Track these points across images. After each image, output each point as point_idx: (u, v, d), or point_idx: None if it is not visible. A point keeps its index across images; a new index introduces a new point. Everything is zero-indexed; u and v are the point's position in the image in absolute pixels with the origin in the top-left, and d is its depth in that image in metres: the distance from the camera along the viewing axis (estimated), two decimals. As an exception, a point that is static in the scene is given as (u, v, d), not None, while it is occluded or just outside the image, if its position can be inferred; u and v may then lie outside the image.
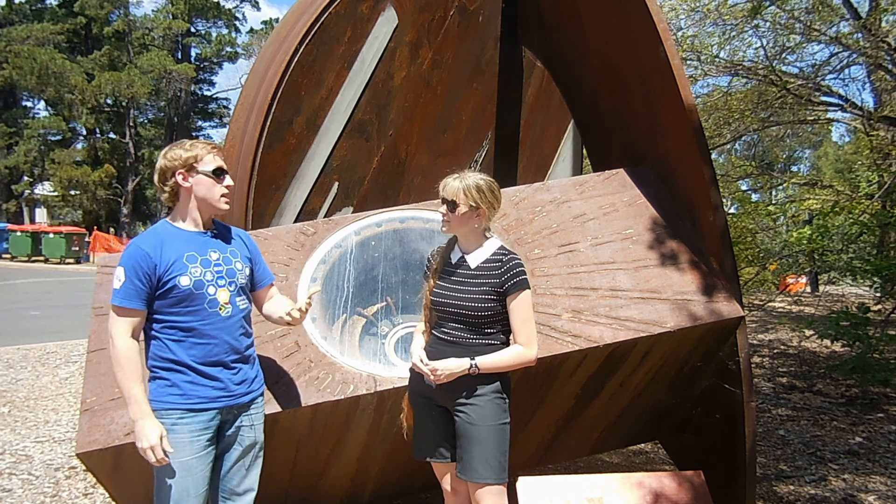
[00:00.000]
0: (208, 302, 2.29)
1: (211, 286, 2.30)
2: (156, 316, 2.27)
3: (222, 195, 2.36)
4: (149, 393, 2.27)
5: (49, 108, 37.43)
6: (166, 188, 2.35)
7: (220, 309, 2.31)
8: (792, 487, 4.25)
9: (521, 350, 2.46)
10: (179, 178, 2.32)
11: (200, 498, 2.27)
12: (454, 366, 2.40)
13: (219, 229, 2.45)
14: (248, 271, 2.45)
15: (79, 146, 38.24)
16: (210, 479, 2.33)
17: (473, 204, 2.49)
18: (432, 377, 2.42)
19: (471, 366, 2.41)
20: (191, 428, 2.25)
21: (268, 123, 3.88)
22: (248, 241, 2.55)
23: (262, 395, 2.49)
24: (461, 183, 2.50)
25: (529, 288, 2.51)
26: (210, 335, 2.29)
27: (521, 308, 2.46)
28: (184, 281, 2.25)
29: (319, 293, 2.35)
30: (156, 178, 2.39)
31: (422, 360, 2.46)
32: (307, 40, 3.91)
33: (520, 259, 2.54)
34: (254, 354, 2.47)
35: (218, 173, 2.35)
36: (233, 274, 2.37)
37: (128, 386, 2.19)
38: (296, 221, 4.07)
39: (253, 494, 2.42)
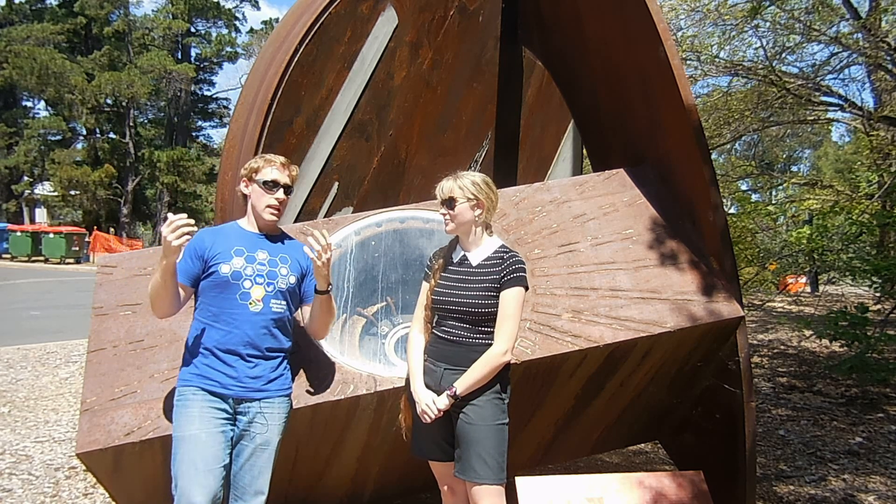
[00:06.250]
0: (241, 294, 2.44)
1: (248, 280, 2.46)
2: (199, 297, 2.49)
3: (268, 206, 2.52)
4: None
5: (49, 108, 37.35)
6: (238, 192, 2.63)
7: (251, 304, 2.45)
8: (792, 487, 4.25)
9: (492, 354, 2.43)
10: (242, 185, 2.57)
11: (210, 475, 2.31)
12: (441, 404, 2.43)
13: (281, 237, 2.62)
14: (293, 279, 2.56)
15: (79, 146, 38.16)
16: (224, 475, 2.37)
17: (471, 197, 2.52)
18: (432, 416, 2.45)
19: (452, 395, 2.42)
20: (202, 405, 2.37)
21: (268, 123, 3.88)
22: (307, 257, 2.61)
23: (282, 398, 2.52)
24: (456, 181, 2.55)
25: (527, 288, 2.51)
26: (232, 323, 2.43)
27: (509, 303, 2.46)
28: (224, 269, 2.43)
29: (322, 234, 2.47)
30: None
31: (432, 405, 2.46)
32: (307, 40, 3.91)
33: (521, 257, 2.55)
34: (280, 359, 2.54)
35: (269, 185, 2.52)
36: (274, 276, 2.50)
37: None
38: (296, 221, 4.07)
39: (263, 498, 2.45)
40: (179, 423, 2.37)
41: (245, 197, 2.58)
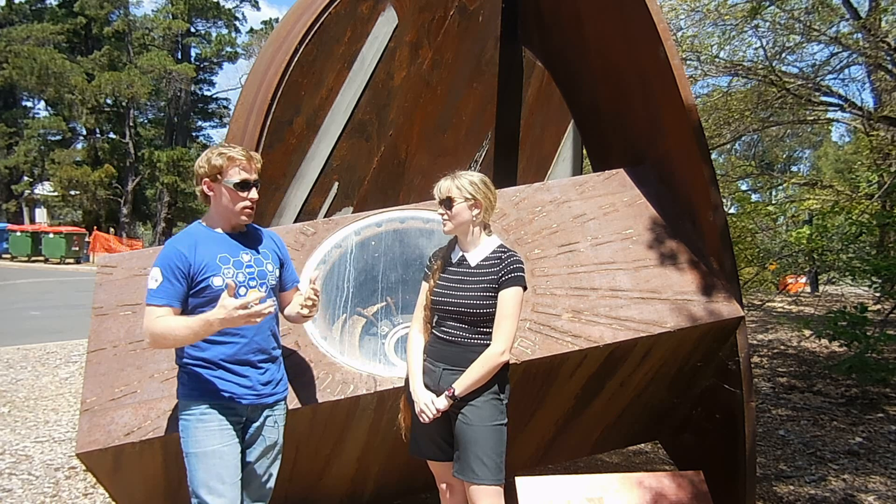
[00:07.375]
0: None
1: (243, 287, 2.33)
2: (189, 314, 2.30)
3: (243, 208, 2.37)
4: (178, 386, 2.35)
5: (49, 108, 37.35)
6: (198, 191, 2.42)
7: None
8: (792, 487, 4.25)
9: (490, 354, 2.43)
10: (204, 186, 2.37)
11: (234, 487, 2.29)
12: (440, 405, 2.44)
13: (251, 231, 2.49)
14: (277, 272, 2.50)
15: (79, 146, 38.15)
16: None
17: (468, 196, 2.52)
18: (431, 416, 2.46)
19: (451, 396, 2.42)
20: (219, 417, 2.30)
21: (268, 123, 3.88)
22: (280, 243, 2.59)
23: (285, 397, 2.53)
24: (453, 181, 2.55)
25: (525, 288, 2.51)
26: (239, 334, 2.33)
27: (507, 303, 2.46)
28: (217, 281, 2.30)
29: (319, 277, 2.40)
30: (195, 179, 2.45)
31: (430, 405, 2.47)
32: (307, 40, 3.91)
33: (520, 257, 2.55)
34: (280, 356, 2.51)
35: (241, 187, 2.35)
36: (264, 276, 2.42)
37: (185, 323, 2.20)
38: (296, 221, 4.07)
39: (269, 496, 2.45)
40: (197, 439, 2.28)
41: (206, 197, 2.39)
